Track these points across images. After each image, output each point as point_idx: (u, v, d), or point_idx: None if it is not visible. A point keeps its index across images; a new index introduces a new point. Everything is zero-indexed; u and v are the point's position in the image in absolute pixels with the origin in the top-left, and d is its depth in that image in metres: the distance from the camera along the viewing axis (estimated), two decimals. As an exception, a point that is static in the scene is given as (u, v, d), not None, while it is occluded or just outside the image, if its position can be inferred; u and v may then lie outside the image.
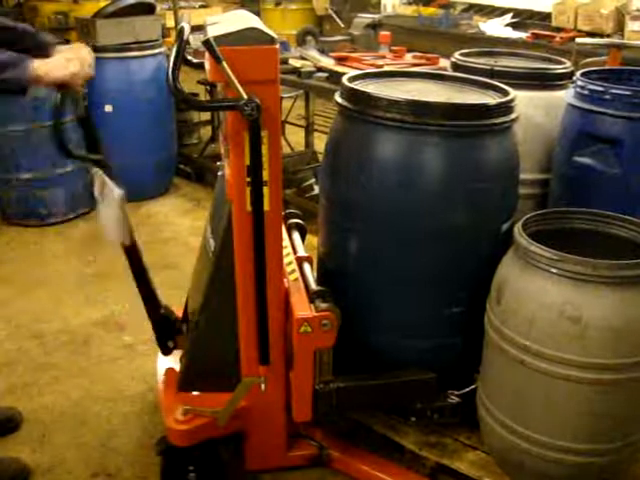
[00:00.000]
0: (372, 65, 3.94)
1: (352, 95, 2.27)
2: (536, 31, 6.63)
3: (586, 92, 2.54)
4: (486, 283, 2.24)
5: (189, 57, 2.30)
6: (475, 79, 2.52)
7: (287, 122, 5.77)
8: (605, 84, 2.51)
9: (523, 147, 2.45)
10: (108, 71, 4.94)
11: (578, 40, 4.93)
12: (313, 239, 2.71)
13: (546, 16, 7.13)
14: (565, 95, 2.70)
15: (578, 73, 2.69)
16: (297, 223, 2.80)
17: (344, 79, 2.38)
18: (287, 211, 2.81)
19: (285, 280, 2.33)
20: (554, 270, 1.98)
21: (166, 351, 2.64)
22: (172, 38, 4.21)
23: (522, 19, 7.43)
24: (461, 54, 3.08)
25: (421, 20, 7.78)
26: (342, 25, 7.55)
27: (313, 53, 4.59)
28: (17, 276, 4.12)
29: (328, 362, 2.26)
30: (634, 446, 2.18)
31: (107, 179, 2.33)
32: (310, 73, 4.25)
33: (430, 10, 8.17)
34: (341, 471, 2.56)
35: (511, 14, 7.43)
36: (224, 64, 1.81)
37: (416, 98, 2.20)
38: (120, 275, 4.13)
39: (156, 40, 5.07)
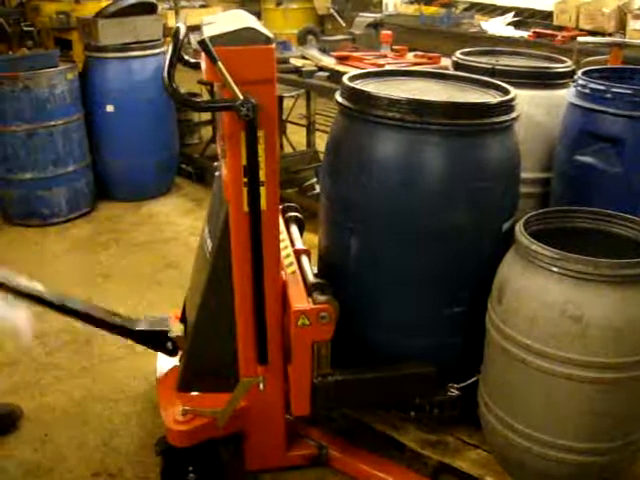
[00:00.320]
0: (373, 64, 3.94)
1: (353, 94, 2.27)
2: (538, 30, 6.62)
3: (587, 91, 2.54)
4: (487, 282, 2.24)
5: (186, 57, 2.30)
6: (476, 78, 2.52)
7: (288, 121, 5.77)
8: (606, 83, 2.51)
9: (524, 146, 2.44)
10: (109, 71, 4.96)
11: (580, 39, 4.92)
12: (314, 238, 2.70)
13: (548, 15, 7.13)
14: (566, 94, 2.70)
15: (579, 72, 2.69)
16: (295, 216, 2.79)
17: (344, 78, 2.38)
18: (285, 205, 2.81)
19: (283, 273, 2.32)
20: (555, 269, 1.97)
21: (170, 353, 2.63)
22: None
23: (524, 18, 7.42)
24: (462, 53, 3.09)
25: (423, 19, 7.77)
26: (343, 24, 7.55)
27: (314, 52, 4.59)
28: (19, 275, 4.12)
29: (326, 355, 2.25)
30: (635, 445, 2.18)
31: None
32: (311, 72, 4.25)
33: (432, 9, 8.16)
34: (341, 470, 2.56)
35: (513, 13, 7.43)
36: (220, 64, 1.81)
37: (417, 97, 2.20)
38: (121, 275, 4.16)
39: (157, 40, 5.07)
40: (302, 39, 4.94)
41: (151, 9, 5.19)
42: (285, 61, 4.49)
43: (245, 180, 1.99)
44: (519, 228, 2.12)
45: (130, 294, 3.90)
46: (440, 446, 2.45)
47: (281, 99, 5.37)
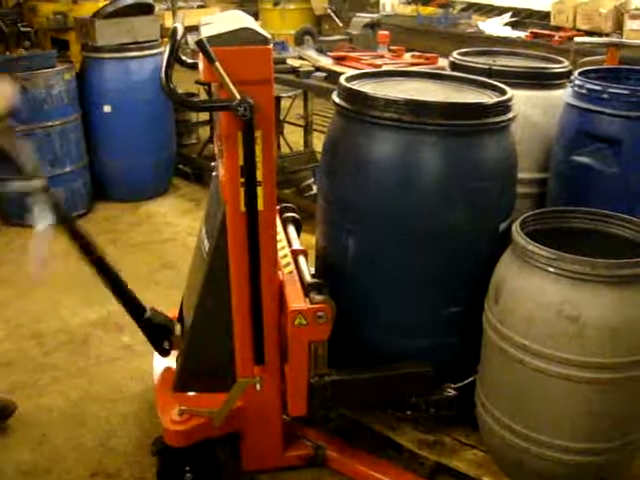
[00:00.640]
0: (370, 65, 3.94)
1: (349, 95, 2.27)
2: (535, 30, 6.62)
3: (584, 91, 2.55)
4: (484, 282, 2.25)
5: (184, 57, 2.30)
6: (473, 78, 2.52)
7: (286, 122, 5.77)
8: (603, 83, 2.51)
9: (521, 146, 2.45)
10: (107, 71, 4.95)
11: (577, 39, 4.92)
12: (311, 238, 2.70)
13: (545, 15, 7.13)
14: (563, 94, 2.70)
15: (576, 72, 2.69)
16: (292, 217, 2.79)
17: (341, 79, 2.38)
18: (282, 205, 2.81)
19: (280, 273, 2.32)
20: (552, 269, 1.98)
21: (163, 352, 2.63)
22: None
23: (521, 18, 7.43)
24: (459, 53, 3.08)
25: (420, 19, 7.77)
26: (341, 25, 7.54)
27: (311, 53, 4.59)
28: (17, 277, 4.11)
29: (323, 355, 2.25)
30: (633, 445, 2.19)
31: (40, 210, 2.26)
32: (308, 73, 4.25)
33: (429, 9, 8.16)
34: (338, 471, 2.55)
35: (510, 13, 7.43)
36: (217, 64, 1.81)
37: (413, 97, 2.20)
38: (119, 275, 4.15)
39: (155, 40, 5.07)
40: (299, 39, 4.94)
41: (148, 10, 5.19)
42: (282, 61, 4.49)
43: (242, 180, 1.99)
44: (516, 228, 2.12)
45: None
46: (437, 446, 2.46)
47: (278, 99, 5.36)
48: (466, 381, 2.44)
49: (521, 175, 2.48)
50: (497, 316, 2.15)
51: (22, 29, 5.26)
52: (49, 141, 4.63)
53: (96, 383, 3.15)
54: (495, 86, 2.40)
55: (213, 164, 2.52)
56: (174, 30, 1.92)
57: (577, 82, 2.60)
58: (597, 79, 2.62)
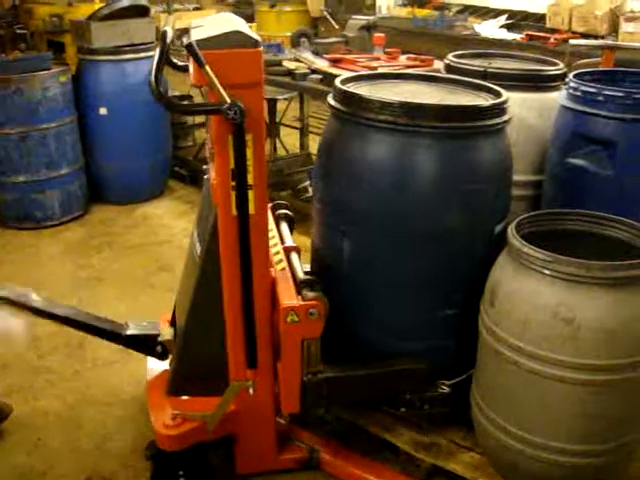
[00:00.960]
0: (366, 67, 3.94)
1: (344, 97, 2.27)
2: (531, 32, 6.64)
3: (579, 93, 2.55)
4: (479, 285, 2.25)
5: (175, 60, 2.30)
6: (468, 81, 2.52)
7: (282, 124, 5.77)
8: (598, 85, 2.51)
9: (516, 148, 2.45)
10: (103, 74, 4.95)
11: (572, 41, 4.94)
12: (307, 240, 2.70)
13: (541, 17, 7.15)
14: (558, 96, 2.70)
15: (571, 74, 2.69)
16: (285, 214, 2.79)
17: (337, 81, 2.38)
18: (275, 202, 2.81)
19: (272, 270, 2.32)
20: (547, 271, 1.98)
21: (160, 356, 2.63)
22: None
23: (517, 20, 7.45)
24: (455, 56, 3.09)
25: (416, 22, 7.79)
26: (337, 27, 7.53)
27: (307, 55, 4.58)
28: (13, 279, 4.08)
29: (316, 352, 2.24)
30: (629, 447, 2.19)
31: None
32: (304, 75, 4.25)
33: (425, 12, 8.18)
34: (332, 474, 2.55)
35: (506, 15, 7.46)
36: (207, 68, 1.81)
37: (408, 100, 2.20)
38: (114, 278, 4.15)
39: (150, 42, 5.06)
40: (295, 41, 4.93)
41: (144, 12, 5.18)
42: (278, 64, 4.48)
43: (233, 184, 1.99)
44: (511, 231, 2.12)
45: (123, 297, 3.89)
46: (433, 448, 2.45)
47: (274, 102, 5.36)
48: (459, 378, 2.43)
49: (516, 177, 2.48)
50: (492, 318, 2.16)
51: (18, 31, 5.24)
52: (45, 144, 4.63)
53: (92, 386, 3.14)
54: (490, 88, 2.40)
55: (205, 167, 2.51)
56: (164, 34, 1.92)
57: (572, 84, 2.60)
58: (592, 81, 2.62)
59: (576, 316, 1.94)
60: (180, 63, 2.33)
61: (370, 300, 2.40)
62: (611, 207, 2.31)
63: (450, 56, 3.08)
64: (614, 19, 6.28)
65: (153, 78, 1.84)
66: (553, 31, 6.64)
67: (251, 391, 2.29)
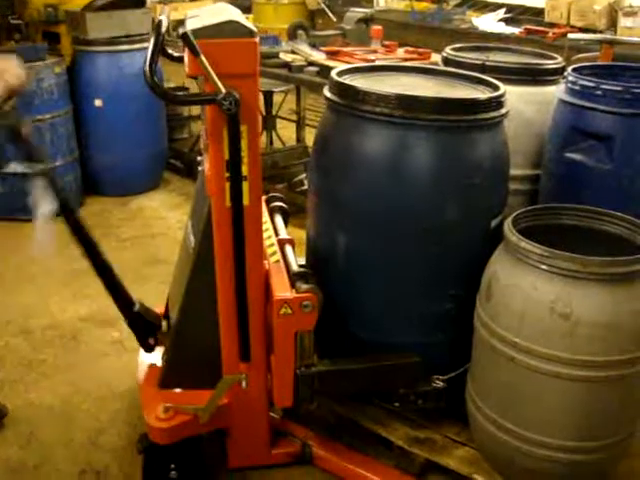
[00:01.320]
0: (363, 60, 3.92)
1: (340, 89, 2.26)
2: (529, 27, 6.63)
3: (577, 88, 2.53)
4: (475, 279, 2.23)
5: (170, 50, 2.28)
6: (465, 74, 2.51)
7: (278, 117, 5.75)
8: (596, 80, 2.50)
9: (514, 142, 2.43)
10: (98, 65, 4.91)
11: (570, 35, 4.93)
12: (302, 234, 2.68)
13: (539, 12, 7.14)
14: (556, 91, 2.69)
15: (569, 69, 2.68)
16: (279, 206, 2.77)
17: (332, 73, 2.36)
18: (269, 194, 2.79)
19: (266, 262, 2.30)
20: (544, 267, 1.96)
21: (148, 348, 2.60)
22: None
23: (515, 14, 7.43)
24: (452, 49, 3.07)
25: (414, 15, 7.76)
26: (334, 19, 7.51)
27: (304, 47, 4.56)
28: (5, 271, 4.09)
29: (309, 345, 2.23)
30: (624, 443, 2.18)
31: (41, 192, 2.23)
32: (301, 67, 4.23)
33: (423, 5, 8.15)
34: (325, 469, 2.54)
35: (504, 9, 7.43)
36: (202, 57, 1.79)
37: (405, 92, 2.18)
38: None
39: (146, 33, 5.01)
40: (292, 34, 4.91)
41: (140, 2, 5.14)
42: (275, 56, 4.46)
43: (227, 175, 1.97)
44: (508, 225, 2.10)
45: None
46: (428, 443, 2.44)
47: (271, 94, 5.34)
48: (453, 373, 2.42)
49: (514, 171, 2.47)
50: (488, 313, 2.14)
51: (12, 22, 5.20)
52: (39, 135, 4.57)
53: (85, 379, 3.12)
54: (488, 82, 2.38)
55: (199, 158, 2.49)
56: (158, 23, 1.90)
57: (570, 78, 2.59)
58: (590, 76, 2.60)
59: (573, 312, 1.93)
60: (176, 54, 2.30)
61: (365, 294, 2.38)
62: (609, 202, 2.29)
63: (448, 49, 3.06)
64: (613, 14, 6.27)
65: (147, 68, 1.82)
66: (551, 25, 6.62)
67: (244, 384, 2.27)
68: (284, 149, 5.51)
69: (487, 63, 2.81)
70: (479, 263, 2.23)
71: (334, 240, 2.39)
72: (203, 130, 2.22)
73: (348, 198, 2.28)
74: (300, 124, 5.56)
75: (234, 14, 1.98)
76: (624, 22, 6.06)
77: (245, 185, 2.00)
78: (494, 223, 2.31)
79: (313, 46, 4.58)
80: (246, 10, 8.52)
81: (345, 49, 4.30)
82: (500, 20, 7.15)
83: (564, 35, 5.91)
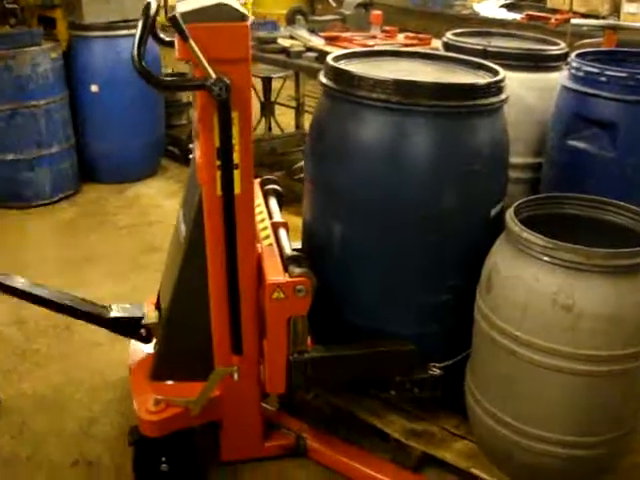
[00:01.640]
0: (362, 45, 3.89)
1: (336, 74, 2.21)
2: (531, 12, 6.57)
3: (581, 74, 2.48)
4: (474, 270, 2.18)
5: (162, 35, 2.22)
6: (465, 59, 2.47)
7: (277, 103, 5.70)
8: (601, 66, 2.44)
9: (515, 130, 2.39)
10: (94, 50, 4.88)
11: (573, 21, 4.86)
12: (299, 221, 2.64)
13: (541, -3, 7.07)
14: (559, 77, 2.64)
15: (573, 54, 2.62)
16: (274, 189, 2.72)
17: (328, 58, 2.31)
18: (264, 177, 2.75)
19: (259, 246, 2.26)
20: (547, 258, 1.92)
21: (144, 340, 2.57)
22: (162, 16, 4.12)
23: (517, 0, 7.35)
24: (453, 34, 3.02)
25: (414, 0, 7.68)
26: (334, 4, 7.43)
27: (303, 33, 4.52)
28: (0, 258, 4.05)
29: (303, 331, 2.19)
30: (627, 438, 2.14)
31: None
32: (299, 53, 4.19)
33: (424, -10, 8.06)
34: (319, 462, 2.51)
35: (506, -5, 7.36)
36: (191, 42, 1.74)
37: (402, 77, 2.13)
38: (105, 258, 4.09)
39: (144, 18, 4.96)
40: (291, 19, 4.85)
41: (137, -13, 5.08)
42: (273, 41, 4.41)
43: (218, 163, 1.93)
44: (510, 215, 2.06)
45: (113, 278, 3.84)
46: (425, 436, 2.40)
47: (269, 80, 5.29)
48: (450, 361, 2.37)
49: (515, 160, 2.43)
50: (489, 305, 2.10)
51: (8, 6, 5.13)
52: (34, 121, 4.57)
53: (79, 369, 3.10)
54: (488, 67, 2.34)
55: (191, 146, 2.45)
56: (147, 5, 1.84)
57: (574, 64, 2.53)
58: (594, 62, 2.55)
59: (576, 304, 1.88)
60: (167, 38, 2.25)
61: (361, 283, 2.33)
62: (612, 191, 2.25)
63: (448, 34, 3.01)
64: (616, 0, 6.21)
65: (135, 52, 1.77)
66: (554, 11, 6.57)
67: (236, 376, 2.24)
68: (282, 136, 5.48)
69: (489, 49, 2.76)
70: (478, 253, 2.18)
71: (330, 228, 2.34)
72: (194, 117, 2.18)
73: (344, 186, 2.23)
74: (299, 110, 5.53)
75: None
76: (627, 8, 6.01)
77: (237, 173, 1.95)
78: (494, 212, 2.27)
79: (312, 31, 4.53)
80: (245, -5, 8.42)
81: (344, 34, 4.27)
82: (502, 6, 7.10)
83: (567, 21, 5.85)
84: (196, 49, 1.75)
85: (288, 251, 2.26)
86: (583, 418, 2.03)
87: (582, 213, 2.22)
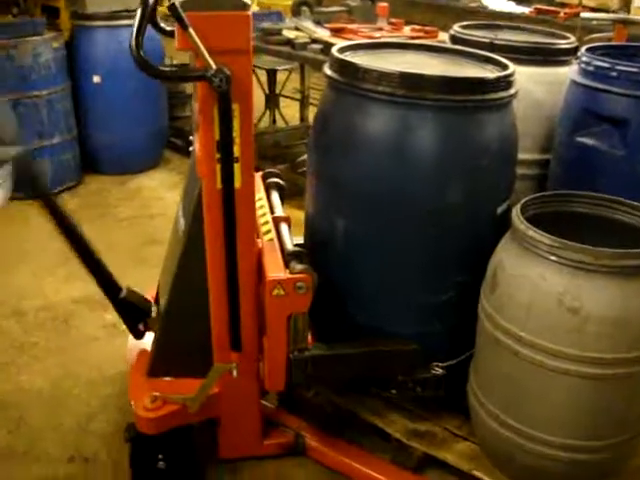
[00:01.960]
0: (368, 37, 3.85)
1: (341, 66, 2.16)
2: (540, 6, 6.50)
3: (591, 68, 2.43)
4: (479, 268, 2.14)
5: (162, 24, 2.18)
6: (473, 52, 2.42)
7: (282, 95, 5.66)
8: (611, 60, 2.39)
9: (523, 125, 2.34)
10: (97, 40, 4.84)
11: (583, 15, 4.79)
12: (301, 215, 2.60)
13: (550, -9, 7.00)
14: (569, 71, 2.60)
15: (583, 49, 2.58)
16: (276, 182, 2.68)
17: (333, 50, 2.27)
18: (266, 170, 2.71)
19: (259, 241, 2.22)
20: (553, 257, 1.87)
21: (137, 335, 2.53)
22: (164, 6, 4.08)
23: (526, -7, 7.29)
24: (461, 26, 2.98)
25: (422, -8, 7.62)
26: (340, -4, 7.40)
27: (308, 24, 4.48)
28: (1, 249, 4.03)
29: (303, 328, 2.15)
30: (632, 442, 2.10)
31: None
32: (304, 45, 4.14)
33: (431, -18, 8.00)
34: (318, 461, 2.48)
35: (514, -12, 7.29)
36: (190, 31, 1.70)
37: (408, 70, 2.08)
38: (106, 250, 4.03)
39: (147, 8, 4.92)
40: (296, 10, 4.82)
41: (141, -24, 5.03)
42: (278, 32, 4.36)
43: (218, 156, 1.88)
44: (516, 213, 2.01)
45: (115, 270, 3.78)
46: (427, 436, 2.37)
47: (274, 72, 5.25)
48: (453, 361, 2.33)
49: (522, 155, 2.38)
50: (493, 304, 2.05)
51: (11, -5, 5.12)
52: (36, 111, 4.53)
53: (77, 363, 3.07)
54: (496, 60, 2.29)
55: (191, 138, 2.41)
56: None
57: (584, 59, 2.48)
58: (604, 56, 2.50)
59: (582, 305, 1.83)
60: (168, 28, 2.20)
61: (364, 278, 2.29)
62: (622, 189, 2.20)
63: (456, 27, 2.97)
64: (626, -6, 6.15)
65: (134, 41, 1.73)
66: (563, 5, 6.50)
67: (235, 373, 2.20)
68: (287, 128, 5.44)
69: (496, 42, 2.72)
70: (483, 250, 2.14)
71: (333, 222, 2.30)
72: (194, 108, 2.13)
73: (348, 180, 2.19)
74: (304, 103, 5.49)
75: None
76: (637, 2, 5.94)
77: (237, 167, 1.91)
78: (500, 209, 2.23)
79: (317, 23, 4.50)
80: (251, -14, 8.37)
81: (350, 26, 4.22)
82: (510, -1, 7.04)
83: (576, 15, 5.78)
84: (196, 38, 1.70)
85: (289, 246, 2.22)
86: (587, 421, 1.99)
87: (591, 212, 2.17)
